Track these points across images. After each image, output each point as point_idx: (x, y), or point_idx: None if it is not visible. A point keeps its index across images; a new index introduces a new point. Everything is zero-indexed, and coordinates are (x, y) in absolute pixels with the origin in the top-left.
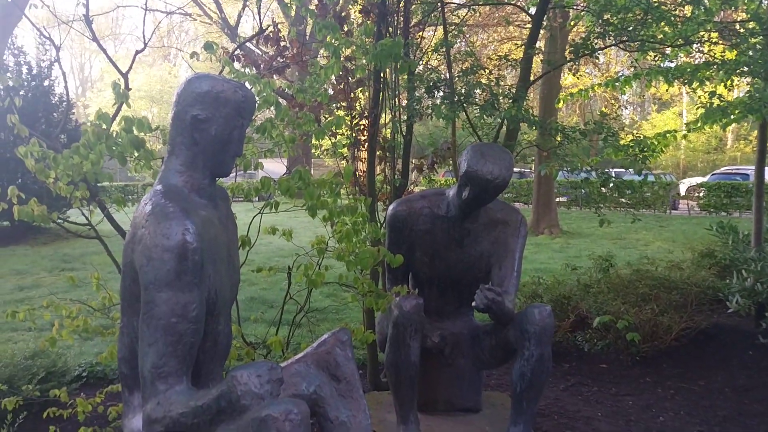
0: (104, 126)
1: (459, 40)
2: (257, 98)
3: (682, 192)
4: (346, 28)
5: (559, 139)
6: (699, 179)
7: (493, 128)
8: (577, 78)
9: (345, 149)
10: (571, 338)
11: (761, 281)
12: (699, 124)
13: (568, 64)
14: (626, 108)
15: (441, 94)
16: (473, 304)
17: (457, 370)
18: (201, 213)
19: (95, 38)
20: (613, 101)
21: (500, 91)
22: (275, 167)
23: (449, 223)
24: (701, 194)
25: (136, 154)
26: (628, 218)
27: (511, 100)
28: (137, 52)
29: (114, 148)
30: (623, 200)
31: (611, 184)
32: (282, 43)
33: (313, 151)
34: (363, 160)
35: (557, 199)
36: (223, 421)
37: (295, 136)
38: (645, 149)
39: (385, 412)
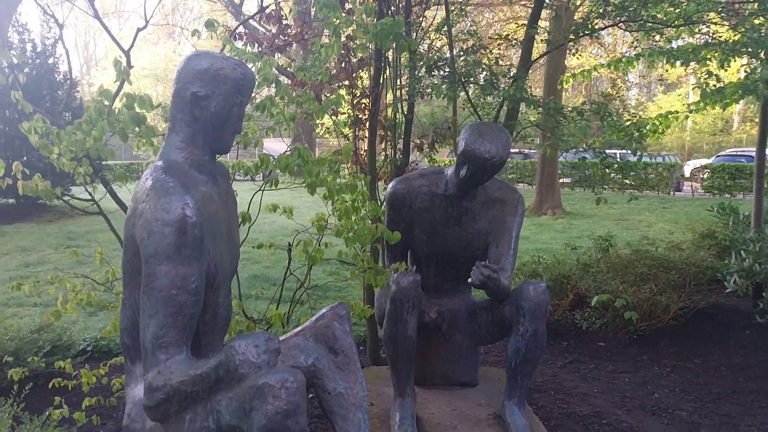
0: (106, 102)
1: (462, 19)
2: (257, 76)
3: (687, 174)
4: (348, 6)
5: (563, 118)
6: (704, 161)
7: (493, 108)
8: (579, 57)
9: (347, 128)
10: (570, 317)
11: (759, 262)
12: (701, 105)
13: (570, 44)
14: (632, 89)
15: (442, 73)
16: (469, 280)
17: (455, 345)
18: (201, 188)
19: (97, 15)
20: (619, 82)
21: (501, 70)
22: (277, 146)
23: (447, 202)
24: (705, 176)
25: (138, 131)
26: (630, 199)
27: (511, 80)
28: (139, 30)
29: (116, 124)
30: (627, 181)
31: (614, 165)
32: (284, 22)
33: (317, 130)
34: (364, 138)
35: (561, 180)
36: (221, 389)
37: (295, 114)
38: (641, 129)
39: (384, 386)
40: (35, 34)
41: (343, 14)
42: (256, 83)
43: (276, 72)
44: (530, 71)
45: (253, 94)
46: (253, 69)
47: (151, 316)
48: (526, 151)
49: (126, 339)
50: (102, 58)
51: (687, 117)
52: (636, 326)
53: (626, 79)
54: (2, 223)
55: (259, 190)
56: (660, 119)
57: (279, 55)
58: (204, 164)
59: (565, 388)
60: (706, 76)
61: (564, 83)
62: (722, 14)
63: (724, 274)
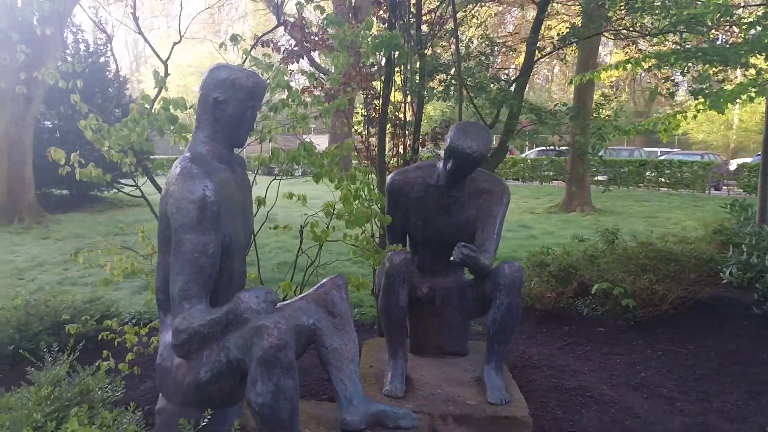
0: (146, 105)
1: (473, 24)
2: (273, 82)
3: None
4: (365, 18)
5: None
6: (746, 160)
7: (494, 109)
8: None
9: (361, 126)
10: (573, 304)
11: (756, 255)
12: (707, 105)
13: (563, 49)
14: (681, 85)
15: (442, 77)
16: (451, 258)
17: (447, 319)
18: (220, 175)
19: (140, 32)
20: (661, 80)
21: (481, 76)
22: (320, 141)
23: (439, 192)
24: (743, 174)
25: (172, 128)
26: (663, 198)
27: (510, 84)
28: (175, 44)
29: (155, 122)
30: (662, 179)
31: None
32: (306, 30)
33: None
34: (375, 135)
35: (596, 178)
36: (230, 331)
37: (306, 114)
38: (601, 128)
39: (384, 353)
40: (88, 34)
41: (354, 26)
42: (273, 89)
43: (286, 78)
44: (563, 66)
45: (270, 97)
46: (269, 76)
47: (178, 273)
48: (562, 147)
49: (160, 295)
50: (150, 56)
51: (695, 116)
52: (633, 313)
53: (672, 76)
54: (57, 212)
55: (274, 178)
56: (669, 118)
57: (303, 59)
58: (223, 156)
59: (557, 365)
60: (663, 81)
61: (576, 82)
62: (689, 27)
63: (722, 266)
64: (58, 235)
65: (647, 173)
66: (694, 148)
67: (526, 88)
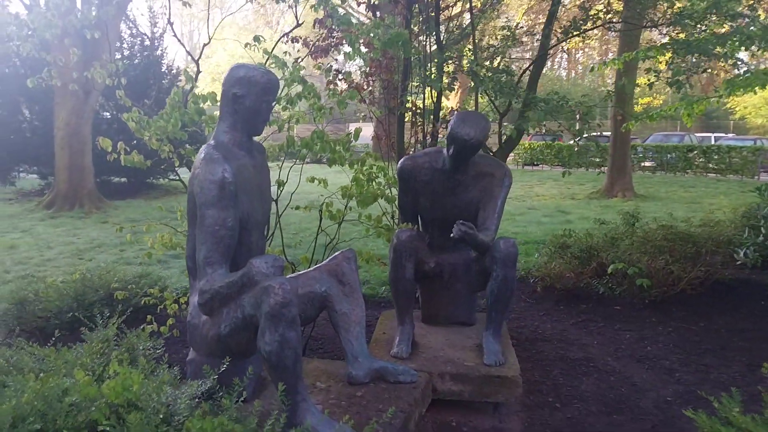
0: (177, 98)
1: (496, 16)
2: (289, 78)
3: None
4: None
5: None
6: None
7: (506, 100)
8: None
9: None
10: (592, 284)
11: None
12: (729, 90)
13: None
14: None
15: (451, 69)
16: (451, 234)
17: (455, 292)
18: (239, 160)
19: (175, 35)
20: (721, 62)
21: (491, 67)
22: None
23: (444, 175)
24: None
25: (200, 119)
26: (710, 183)
27: (521, 75)
28: (204, 45)
29: (185, 115)
30: (710, 165)
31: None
32: (330, 27)
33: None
34: (395, 124)
35: (644, 164)
36: (245, 291)
37: (322, 105)
38: (587, 113)
39: (394, 322)
40: (144, 28)
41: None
42: (290, 83)
43: (302, 74)
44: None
45: (288, 91)
46: (286, 73)
47: (202, 243)
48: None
49: (189, 263)
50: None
51: (717, 102)
52: (649, 292)
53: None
54: (116, 198)
55: (295, 163)
56: (692, 104)
57: (327, 54)
58: (243, 143)
59: (568, 339)
60: (653, 72)
61: (598, 70)
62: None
63: (737, 248)
64: (116, 219)
65: (696, 159)
66: (752, 133)
67: (571, 74)
